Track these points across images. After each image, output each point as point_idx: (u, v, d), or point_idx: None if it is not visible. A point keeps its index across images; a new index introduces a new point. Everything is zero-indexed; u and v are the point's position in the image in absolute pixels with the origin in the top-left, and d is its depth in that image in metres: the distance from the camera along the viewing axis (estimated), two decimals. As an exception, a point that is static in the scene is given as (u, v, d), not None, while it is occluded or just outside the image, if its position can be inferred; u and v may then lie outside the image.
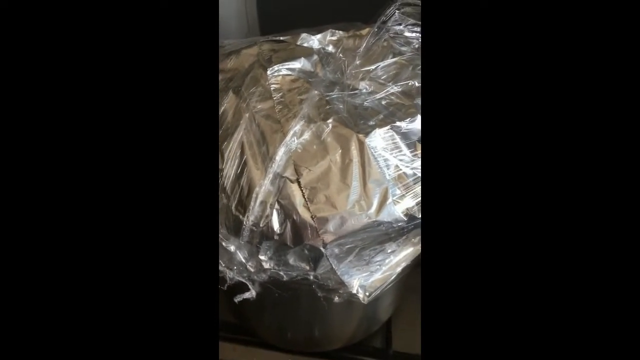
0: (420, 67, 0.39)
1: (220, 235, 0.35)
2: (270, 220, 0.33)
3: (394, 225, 0.34)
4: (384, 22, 0.41)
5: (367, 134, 0.34)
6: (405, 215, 0.34)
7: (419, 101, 0.37)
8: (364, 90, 0.38)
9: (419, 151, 0.35)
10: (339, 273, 0.34)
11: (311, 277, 0.36)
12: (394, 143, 0.35)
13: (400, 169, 0.34)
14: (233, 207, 0.34)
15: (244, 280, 0.37)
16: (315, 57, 0.40)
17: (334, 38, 0.43)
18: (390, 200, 0.33)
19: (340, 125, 0.35)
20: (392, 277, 0.36)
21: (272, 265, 0.35)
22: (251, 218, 0.34)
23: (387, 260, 0.36)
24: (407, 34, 0.41)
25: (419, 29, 0.41)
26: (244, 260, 0.36)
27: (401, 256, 0.36)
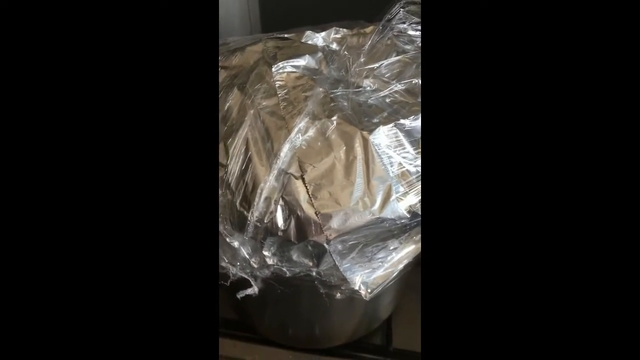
0: (423, 65, 0.39)
1: (224, 231, 0.35)
2: (275, 216, 0.34)
3: (397, 222, 0.34)
4: (389, 21, 0.41)
5: (371, 131, 0.34)
6: (409, 212, 0.34)
7: (422, 99, 0.37)
8: (368, 88, 0.38)
9: (422, 149, 0.35)
10: (341, 269, 0.35)
11: (314, 274, 0.36)
12: (397, 140, 0.35)
13: (404, 167, 0.35)
14: (237, 203, 0.34)
15: (246, 277, 0.37)
16: (320, 54, 0.40)
17: (338, 36, 0.43)
18: (393, 197, 0.34)
19: (345, 122, 0.35)
20: (394, 274, 0.36)
21: (275, 261, 0.35)
22: (255, 214, 0.34)
23: (389, 257, 0.36)
24: (410, 32, 0.41)
25: (422, 28, 0.41)
26: (247, 256, 0.36)
27: (403, 253, 0.36)
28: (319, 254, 0.34)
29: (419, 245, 0.36)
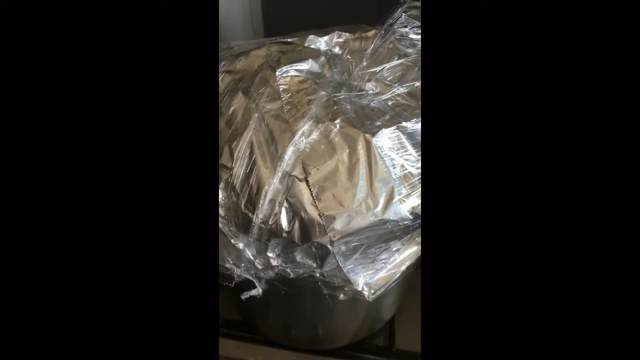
0: (425, 68, 0.39)
1: (229, 233, 0.36)
2: (279, 218, 0.34)
3: (400, 224, 0.35)
4: (391, 25, 0.41)
5: (373, 134, 0.35)
6: (411, 213, 0.35)
7: (424, 102, 0.37)
8: (371, 91, 0.39)
9: (425, 151, 0.35)
10: (345, 270, 0.35)
11: (317, 275, 0.36)
12: (400, 143, 0.35)
13: (406, 169, 0.35)
14: (242, 205, 0.35)
15: (251, 278, 0.38)
16: (323, 58, 0.41)
17: (341, 40, 0.44)
18: (396, 199, 0.34)
19: (348, 125, 0.35)
20: (397, 276, 0.37)
21: (279, 262, 0.36)
22: (260, 216, 0.34)
23: (392, 259, 0.37)
24: (412, 36, 0.42)
25: (424, 32, 0.42)
26: (252, 258, 0.36)
27: (406, 254, 0.37)
28: (322, 255, 0.35)
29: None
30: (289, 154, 0.34)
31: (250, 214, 0.34)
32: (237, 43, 0.45)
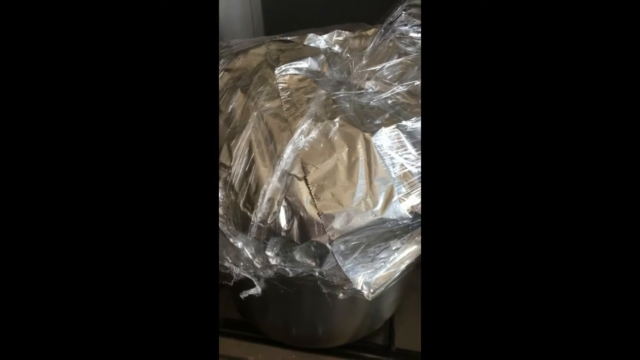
0: (425, 67, 0.39)
1: (228, 232, 0.35)
2: (278, 217, 0.34)
3: (399, 223, 0.35)
4: (391, 23, 0.41)
5: (373, 132, 0.35)
6: (410, 212, 0.34)
7: (424, 101, 0.37)
8: (370, 90, 0.39)
9: (424, 150, 0.35)
10: (344, 269, 0.35)
11: (316, 274, 0.36)
12: (399, 142, 0.35)
13: (406, 167, 0.35)
14: (241, 204, 0.35)
15: (250, 277, 0.38)
16: (322, 57, 0.41)
17: (341, 38, 0.44)
18: (395, 198, 0.34)
19: (347, 124, 0.35)
20: (396, 275, 0.37)
21: (278, 261, 0.36)
22: (259, 215, 0.34)
23: (391, 258, 0.37)
24: (412, 34, 0.42)
25: (424, 30, 0.42)
26: (250, 257, 0.36)
27: (405, 253, 0.37)
28: (321, 254, 0.35)
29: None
30: (288, 152, 0.34)
31: (249, 213, 0.34)
32: (236, 41, 0.45)
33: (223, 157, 0.36)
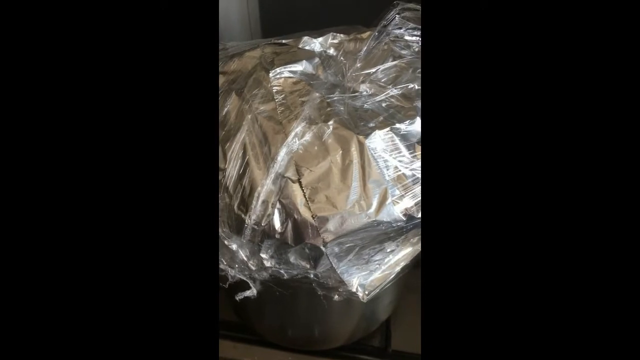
0: (419, 70, 0.39)
1: (222, 234, 0.36)
2: (272, 219, 0.34)
3: (393, 225, 0.35)
4: (385, 26, 0.41)
5: (367, 135, 0.35)
6: (404, 215, 0.35)
7: (418, 104, 0.37)
8: (365, 93, 0.39)
9: (418, 152, 0.35)
10: (338, 272, 0.35)
11: (311, 276, 0.36)
12: (393, 144, 0.35)
13: (400, 170, 0.35)
14: (235, 207, 0.35)
15: (245, 279, 0.38)
16: (317, 59, 0.41)
17: (335, 41, 0.44)
18: (389, 200, 0.34)
19: (341, 126, 0.35)
20: (391, 277, 0.37)
21: (273, 263, 0.36)
22: (253, 217, 0.34)
23: (386, 260, 0.37)
24: (407, 37, 0.42)
25: (418, 33, 0.42)
26: (245, 259, 0.36)
27: (400, 256, 0.37)
28: (316, 256, 0.35)
29: (416, 247, 0.37)
30: (282, 155, 0.34)
31: (243, 215, 0.34)
32: (232, 44, 0.46)
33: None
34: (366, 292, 0.36)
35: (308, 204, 0.33)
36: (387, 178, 0.35)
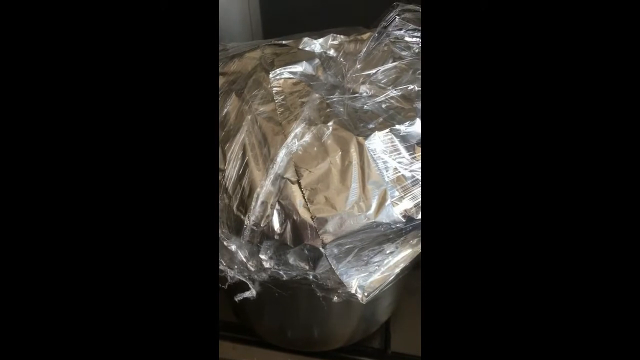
0: (419, 71, 0.39)
1: (221, 235, 0.36)
2: (271, 220, 0.34)
3: (393, 227, 0.35)
4: (385, 27, 0.41)
5: (366, 136, 0.35)
6: (404, 216, 0.35)
7: (418, 105, 0.37)
8: (364, 94, 0.39)
9: (418, 154, 0.35)
10: (338, 273, 0.35)
11: (310, 277, 0.36)
12: (393, 146, 0.35)
13: (399, 171, 0.35)
14: (234, 207, 0.35)
15: (244, 280, 0.38)
16: (317, 60, 0.41)
17: (336, 42, 0.44)
18: (389, 201, 0.34)
19: (341, 127, 0.35)
20: (391, 278, 0.37)
21: (272, 264, 0.36)
22: (252, 218, 0.34)
23: (385, 261, 0.37)
24: (407, 38, 0.42)
25: (418, 34, 0.42)
26: (244, 260, 0.36)
27: (399, 257, 0.37)
28: (315, 257, 0.35)
29: (415, 249, 0.37)
30: (282, 156, 0.34)
31: (242, 216, 0.34)
32: (232, 45, 0.46)
33: (217, 161, 0.36)
34: (365, 294, 0.36)
35: (307, 205, 0.33)
36: (387, 179, 0.35)
